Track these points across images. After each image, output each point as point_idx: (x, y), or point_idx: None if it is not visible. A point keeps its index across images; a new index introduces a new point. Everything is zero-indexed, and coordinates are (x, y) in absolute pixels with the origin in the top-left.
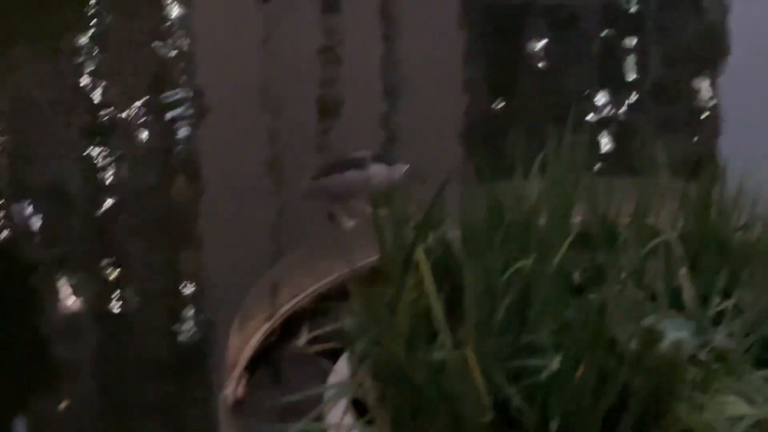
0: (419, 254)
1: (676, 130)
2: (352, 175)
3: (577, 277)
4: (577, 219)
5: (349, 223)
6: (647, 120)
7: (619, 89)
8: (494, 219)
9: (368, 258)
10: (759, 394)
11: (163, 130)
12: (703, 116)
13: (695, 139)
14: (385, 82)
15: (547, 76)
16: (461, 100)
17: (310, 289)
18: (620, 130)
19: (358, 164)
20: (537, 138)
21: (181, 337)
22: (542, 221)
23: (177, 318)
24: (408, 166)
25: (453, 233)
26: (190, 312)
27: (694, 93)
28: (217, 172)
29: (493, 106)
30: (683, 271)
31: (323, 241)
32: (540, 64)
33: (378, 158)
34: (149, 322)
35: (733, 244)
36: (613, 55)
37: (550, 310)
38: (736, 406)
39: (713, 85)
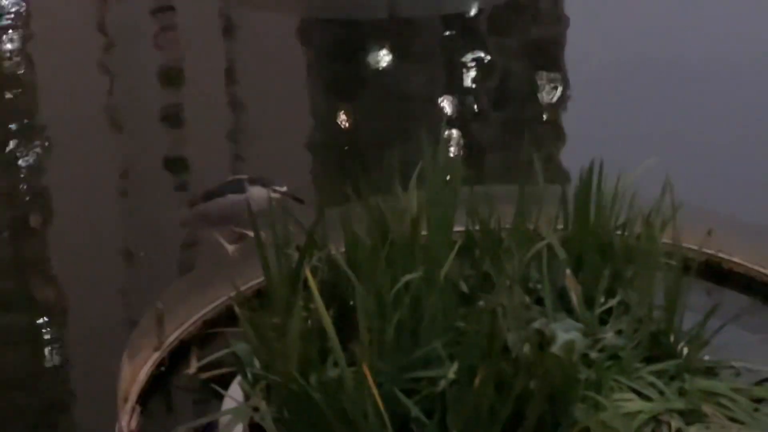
0: (307, 274)
1: (519, 134)
2: (231, 199)
3: (464, 286)
4: (459, 229)
5: (231, 248)
6: (491, 125)
7: (463, 95)
8: (378, 235)
9: (252, 281)
10: (652, 389)
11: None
12: (545, 120)
13: (538, 142)
14: (230, 98)
15: (390, 85)
16: (306, 113)
17: (196, 316)
18: (466, 135)
19: (236, 188)
20: (386, 150)
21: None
22: (425, 234)
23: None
24: (285, 187)
25: (337, 252)
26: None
27: (536, 97)
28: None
29: (338, 119)
30: (568, 273)
31: (207, 268)
32: (382, 73)
33: (255, 181)
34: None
35: (614, 243)
36: (455, 61)
37: (441, 321)
38: (632, 403)
39: (555, 88)
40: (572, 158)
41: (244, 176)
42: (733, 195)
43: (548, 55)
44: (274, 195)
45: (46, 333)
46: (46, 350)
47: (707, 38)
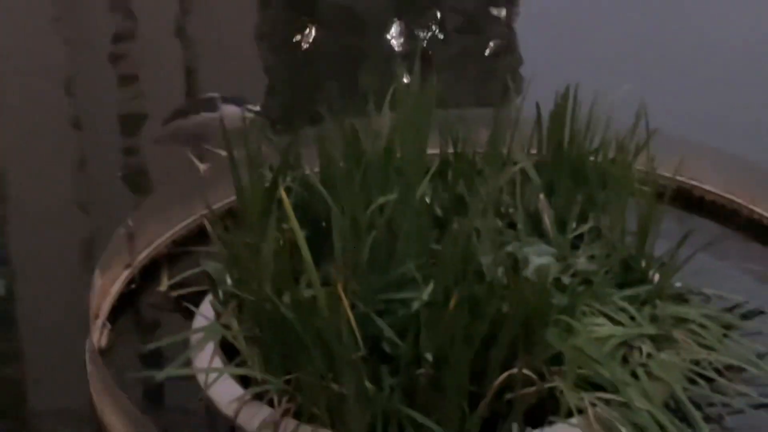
0: (281, 194)
1: (475, 59)
2: (203, 117)
3: (438, 209)
4: (433, 152)
5: (203, 167)
6: (446, 50)
7: (417, 20)
8: (352, 156)
9: (225, 200)
10: (623, 314)
11: None
12: (499, 45)
13: (494, 67)
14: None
15: (345, 10)
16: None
17: (167, 234)
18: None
19: (209, 106)
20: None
21: None
22: (399, 156)
23: None
24: (258, 106)
25: (312, 173)
26: None
27: (492, 22)
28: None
29: (293, 40)
30: (541, 198)
31: (178, 186)
32: None
33: (227, 100)
34: None
35: (587, 168)
36: None
37: (415, 244)
38: (603, 328)
39: (509, 14)
40: (541, 84)
41: (216, 95)
42: (708, 123)
43: None
44: (247, 114)
45: None
46: None
47: None
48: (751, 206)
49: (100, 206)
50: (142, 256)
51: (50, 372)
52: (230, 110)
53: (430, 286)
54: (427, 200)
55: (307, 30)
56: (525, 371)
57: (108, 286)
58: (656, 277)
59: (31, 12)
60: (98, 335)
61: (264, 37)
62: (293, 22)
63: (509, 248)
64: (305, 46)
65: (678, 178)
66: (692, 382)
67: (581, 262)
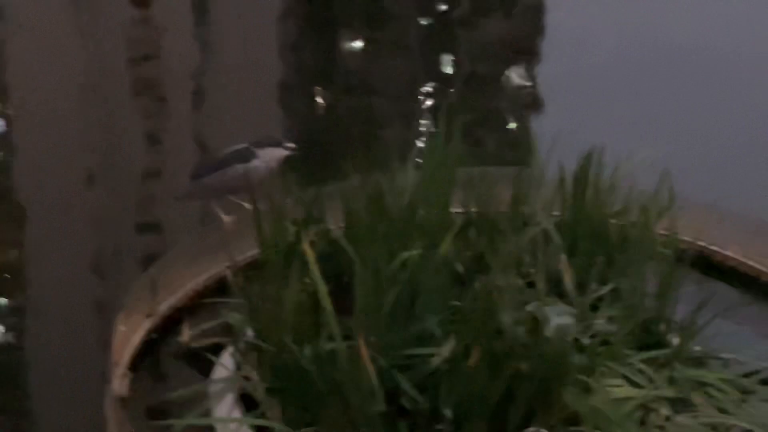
0: (305, 247)
1: (495, 118)
2: (234, 170)
3: (459, 266)
4: (456, 209)
5: (227, 219)
6: (467, 110)
7: (438, 82)
8: (376, 211)
9: (248, 253)
10: (642, 376)
11: None
12: (519, 103)
13: (513, 125)
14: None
15: (365, 74)
16: (276, 99)
17: (189, 285)
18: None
19: (244, 156)
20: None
21: None
22: (422, 213)
23: None
24: (294, 144)
25: (335, 227)
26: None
27: (511, 82)
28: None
29: (313, 106)
30: (563, 258)
31: (203, 238)
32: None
33: (263, 144)
34: None
35: (609, 230)
36: (430, 49)
37: (436, 300)
38: (621, 389)
39: (529, 71)
40: (567, 147)
41: (245, 144)
42: (730, 188)
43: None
44: (285, 152)
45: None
46: None
47: (707, 25)
48: None
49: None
50: (164, 305)
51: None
52: (272, 152)
53: (451, 342)
54: (450, 257)
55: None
56: (543, 430)
57: (129, 335)
58: (675, 340)
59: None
60: (119, 383)
61: (285, 101)
62: (313, 86)
63: (529, 307)
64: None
65: (699, 242)
66: None
67: (601, 323)
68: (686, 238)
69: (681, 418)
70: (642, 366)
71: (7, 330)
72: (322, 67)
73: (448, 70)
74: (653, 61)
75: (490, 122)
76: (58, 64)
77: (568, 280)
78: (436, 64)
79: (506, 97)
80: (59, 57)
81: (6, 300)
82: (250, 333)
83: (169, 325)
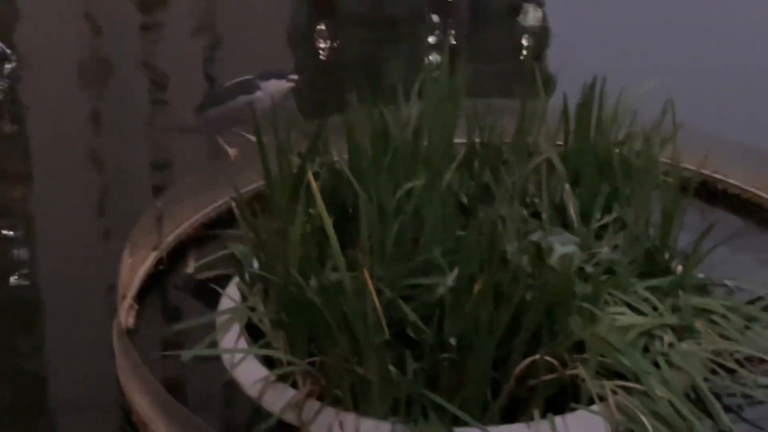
0: (309, 178)
1: (504, 51)
2: (238, 102)
3: (464, 197)
4: (460, 141)
5: (232, 151)
6: (476, 43)
7: (446, 13)
8: (380, 143)
9: (252, 185)
10: (646, 304)
11: None
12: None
13: (522, 58)
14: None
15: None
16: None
17: (195, 217)
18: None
19: (246, 88)
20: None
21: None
22: (426, 144)
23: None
24: (297, 76)
25: (339, 159)
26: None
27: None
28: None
29: (317, 27)
30: (567, 188)
31: (207, 170)
32: None
33: (267, 75)
34: None
35: (613, 160)
36: None
37: (441, 230)
38: (626, 317)
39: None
40: (569, 76)
41: (250, 76)
42: (734, 117)
43: None
44: (289, 84)
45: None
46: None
47: None
48: None
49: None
50: (170, 238)
51: (73, 360)
52: (276, 84)
53: (455, 273)
54: (454, 188)
55: (331, 32)
56: (547, 358)
57: (136, 267)
58: (679, 268)
59: None
60: (125, 315)
61: (293, 39)
62: (319, 23)
63: (534, 237)
64: (330, 46)
65: (702, 171)
66: (713, 372)
67: (605, 252)
68: (689, 167)
69: (685, 345)
70: (646, 294)
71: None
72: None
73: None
74: None
75: (497, 55)
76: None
77: (572, 210)
78: None
79: (515, 30)
80: None
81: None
82: (255, 264)
83: (176, 257)
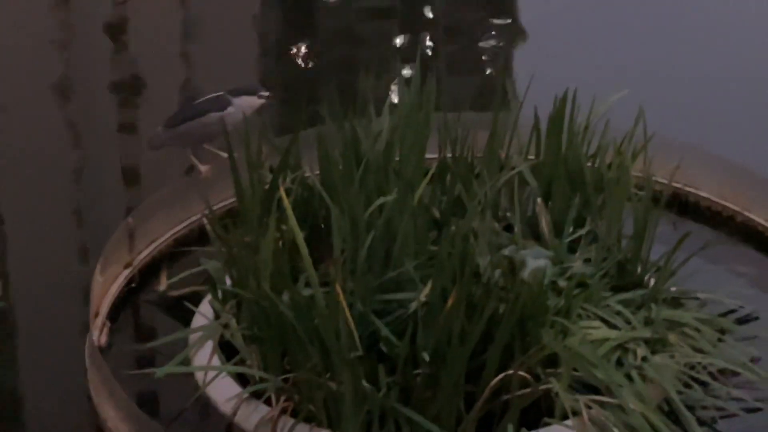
0: (281, 194)
1: (475, 65)
2: (209, 118)
3: (436, 211)
4: (431, 156)
5: (204, 168)
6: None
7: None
8: (352, 157)
9: (224, 201)
10: (619, 317)
11: None
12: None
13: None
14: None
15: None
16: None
17: (167, 234)
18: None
19: (218, 104)
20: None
21: None
22: (398, 158)
23: None
24: (268, 92)
25: (310, 174)
26: None
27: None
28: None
29: (291, 51)
30: (539, 201)
31: (178, 186)
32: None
33: (238, 92)
34: None
35: (585, 172)
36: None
37: (413, 244)
38: (598, 331)
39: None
40: (542, 90)
41: (222, 92)
42: (705, 129)
43: None
44: (261, 101)
45: None
46: None
47: None
48: (745, 212)
49: (95, 212)
50: (143, 255)
51: (47, 377)
52: (248, 101)
53: (428, 287)
54: (426, 202)
55: (305, 44)
56: (521, 372)
57: (108, 284)
58: (651, 281)
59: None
60: (98, 333)
61: (264, 52)
62: (292, 38)
63: (506, 251)
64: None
65: (674, 183)
66: (686, 385)
67: (577, 265)
68: (661, 179)
69: (658, 358)
70: (619, 307)
71: None
72: (303, 16)
73: (429, 15)
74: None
75: (468, 68)
76: None
77: (545, 223)
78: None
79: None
80: None
81: None
82: (228, 281)
83: (148, 274)
